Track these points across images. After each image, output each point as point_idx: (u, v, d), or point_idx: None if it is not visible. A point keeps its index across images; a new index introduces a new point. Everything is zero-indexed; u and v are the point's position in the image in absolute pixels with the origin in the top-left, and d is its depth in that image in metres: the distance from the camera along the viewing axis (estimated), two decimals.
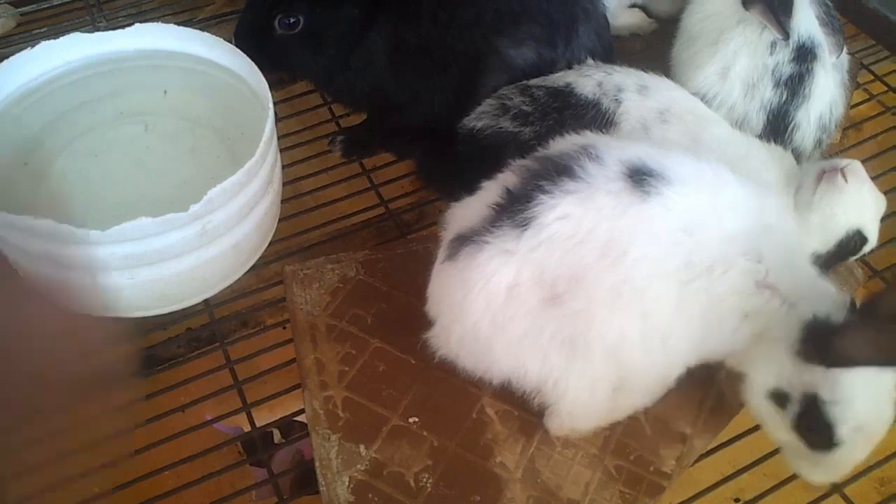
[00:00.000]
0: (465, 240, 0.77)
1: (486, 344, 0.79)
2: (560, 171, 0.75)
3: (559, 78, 1.02)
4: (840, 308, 0.74)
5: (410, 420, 0.88)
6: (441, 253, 0.81)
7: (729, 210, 0.77)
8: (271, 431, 1.15)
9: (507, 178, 0.79)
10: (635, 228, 0.74)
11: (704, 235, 0.75)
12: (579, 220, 0.74)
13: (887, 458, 0.90)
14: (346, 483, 0.83)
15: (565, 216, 0.74)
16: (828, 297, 0.76)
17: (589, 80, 1.00)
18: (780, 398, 0.77)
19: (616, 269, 0.74)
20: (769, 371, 0.77)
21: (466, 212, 0.80)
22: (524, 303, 0.75)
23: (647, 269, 0.74)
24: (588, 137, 0.82)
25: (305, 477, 0.93)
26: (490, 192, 0.79)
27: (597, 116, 0.97)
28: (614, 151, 0.77)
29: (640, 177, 0.75)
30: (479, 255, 0.75)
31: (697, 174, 0.78)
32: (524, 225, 0.74)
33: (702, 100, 1.04)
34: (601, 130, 0.94)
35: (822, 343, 0.72)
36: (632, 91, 0.99)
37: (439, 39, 1.04)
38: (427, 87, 1.06)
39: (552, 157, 0.78)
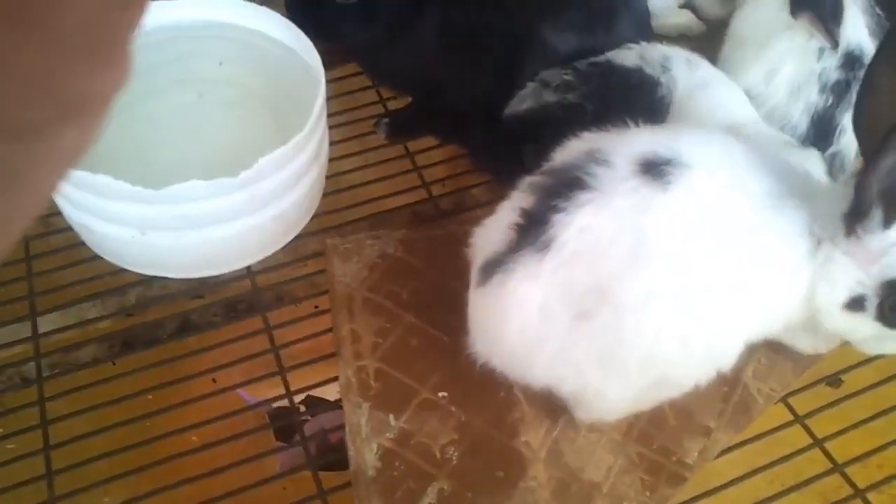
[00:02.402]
0: (492, 267, 0.77)
1: (524, 363, 0.80)
2: (570, 184, 0.74)
3: (600, 56, 1.03)
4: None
5: (440, 394, 0.89)
6: (473, 278, 0.81)
7: (749, 171, 0.77)
8: (298, 407, 1.18)
9: (522, 198, 0.78)
10: (663, 222, 0.73)
11: (736, 205, 0.75)
12: (599, 229, 0.73)
13: None
14: (375, 450, 0.85)
15: (583, 230, 0.73)
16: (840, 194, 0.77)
17: (630, 52, 1.02)
18: (856, 304, 0.77)
19: (645, 271, 0.73)
20: (837, 289, 0.77)
21: (489, 234, 0.80)
22: (556, 322, 0.75)
23: (683, 260, 0.74)
24: (590, 140, 0.80)
25: (326, 452, 0.96)
26: (508, 212, 0.79)
27: (643, 82, 0.98)
28: (621, 149, 0.76)
29: (655, 168, 0.74)
30: (508, 282, 0.76)
31: (711, 146, 0.77)
32: (545, 248, 0.74)
33: (749, 98, 1.04)
34: (649, 97, 0.94)
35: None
36: (680, 60, 1.00)
37: (485, 22, 1.05)
38: (472, 70, 1.08)
39: (559, 169, 0.77)
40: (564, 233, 0.73)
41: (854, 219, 0.75)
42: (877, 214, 0.74)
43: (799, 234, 0.77)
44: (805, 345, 0.93)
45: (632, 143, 0.77)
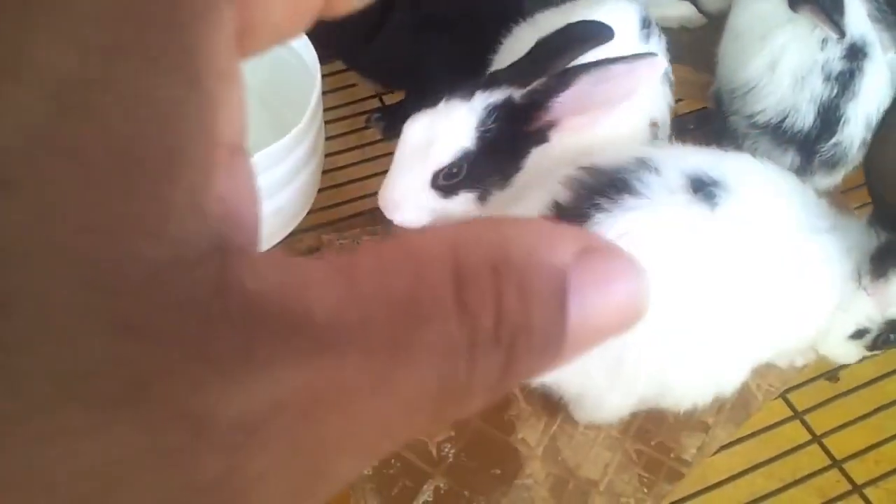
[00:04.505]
0: None
1: None
2: (619, 186, 0.73)
3: None
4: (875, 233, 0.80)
5: None
6: None
7: (786, 198, 0.78)
8: None
9: (555, 189, 0.76)
10: (706, 242, 0.72)
11: (775, 234, 0.76)
12: (641, 238, 0.72)
13: None
14: None
15: (625, 234, 0.71)
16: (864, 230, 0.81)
17: None
18: (858, 335, 0.81)
19: (677, 288, 0.72)
20: (850, 321, 0.81)
21: None
22: None
23: (717, 283, 0.73)
24: (645, 150, 0.80)
25: None
26: (535, 201, 0.77)
27: None
28: (674, 162, 0.76)
29: (705, 188, 0.73)
30: None
31: (752, 172, 0.78)
32: None
33: (750, 91, 1.04)
34: None
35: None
36: None
37: (463, 8, 1.05)
38: (453, 60, 1.07)
39: (607, 170, 0.75)
40: (604, 234, 0.71)
41: (885, 263, 0.77)
42: None
43: (834, 264, 0.78)
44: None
45: (684, 158, 0.77)
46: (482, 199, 0.83)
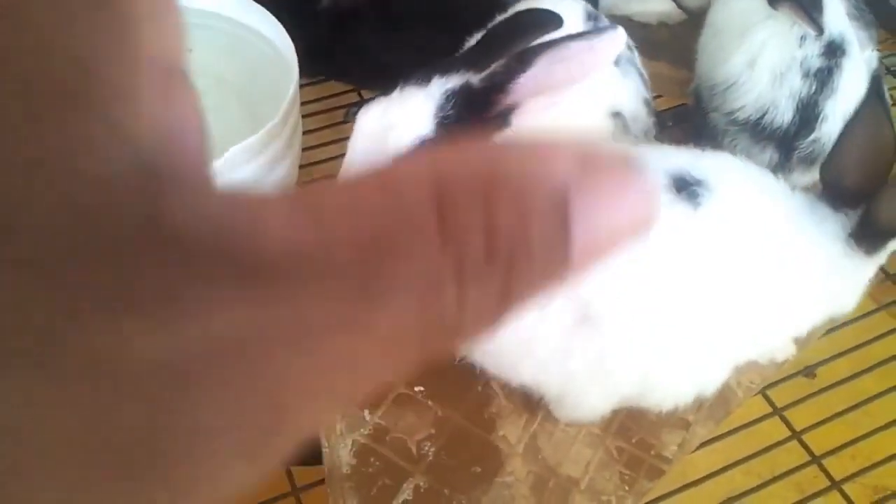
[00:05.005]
0: None
1: (511, 361, 0.78)
2: None
3: None
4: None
5: (416, 389, 0.88)
6: None
7: (768, 195, 0.78)
8: None
9: None
10: (691, 241, 0.72)
11: (763, 228, 0.76)
12: None
13: (881, 462, 0.90)
14: (350, 446, 0.83)
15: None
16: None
17: None
18: None
19: (669, 288, 0.72)
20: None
21: None
22: (556, 323, 0.73)
23: (703, 283, 0.73)
24: (630, 149, 0.80)
25: (305, 443, 0.94)
26: None
27: None
28: (656, 162, 0.75)
29: (688, 187, 0.73)
30: None
31: (733, 171, 0.78)
32: None
33: (729, 87, 1.04)
34: None
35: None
36: None
37: (434, 7, 1.04)
38: (426, 60, 1.06)
39: None
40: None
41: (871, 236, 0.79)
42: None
43: (818, 255, 0.78)
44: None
45: (666, 157, 0.76)
46: None
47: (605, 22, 0.95)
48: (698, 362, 0.77)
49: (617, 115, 0.90)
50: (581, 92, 0.79)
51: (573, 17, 0.91)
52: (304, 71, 0.94)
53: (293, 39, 0.99)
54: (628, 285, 0.72)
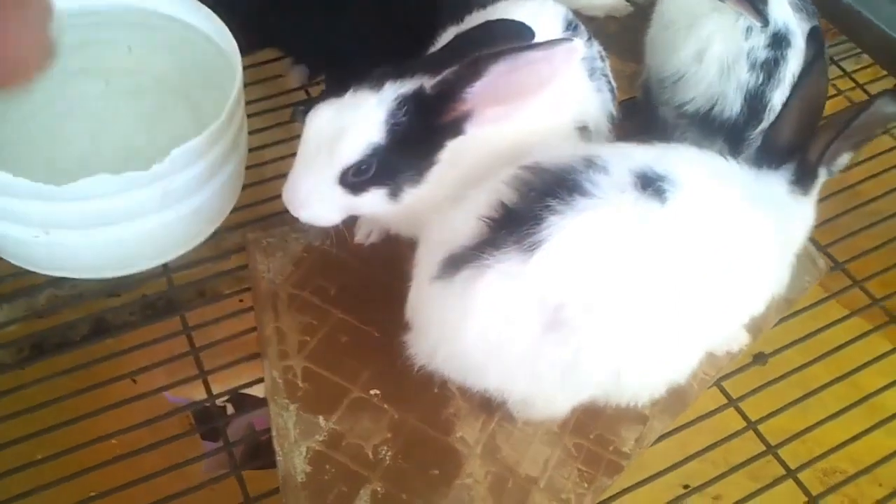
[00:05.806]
0: (460, 261, 0.71)
1: (477, 365, 0.75)
2: (570, 187, 0.71)
3: None
4: None
5: (371, 392, 0.86)
6: (425, 269, 0.75)
7: (724, 177, 0.79)
8: (224, 406, 1.13)
9: (500, 189, 0.73)
10: (660, 237, 0.72)
11: (727, 218, 0.77)
12: (596, 239, 0.70)
13: (832, 450, 0.92)
14: (304, 453, 0.81)
15: (580, 237, 0.70)
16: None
17: None
18: None
19: (641, 286, 0.71)
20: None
21: (453, 224, 0.74)
22: (525, 328, 0.71)
23: (674, 277, 0.73)
24: (590, 148, 0.78)
25: (256, 450, 0.92)
26: (478, 202, 0.73)
27: None
28: (621, 160, 0.74)
29: (653, 183, 0.73)
30: (481, 279, 0.70)
31: (693, 161, 0.78)
32: (532, 248, 0.69)
33: (679, 80, 1.04)
34: None
35: None
36: None
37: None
38: (369, 45, 1.04)
39: (554, 170, 0.73)
40: (558, 236, 0.69)
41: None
42: None
43: (773, 220, 0.80)
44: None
45: (630, 155, 0.76)
46: (394, 195, 0.79)
47: (584, 32, 0.94)
48: (671, 353, 0.77)
49: (583, 129, 0.90)
50: (550, 103, 0.79)
51: (552, 25, 0.90)
52: (241, 44, 0.91)
53: (231, 10, 0.97)
54: (602, 287, 0.71)
